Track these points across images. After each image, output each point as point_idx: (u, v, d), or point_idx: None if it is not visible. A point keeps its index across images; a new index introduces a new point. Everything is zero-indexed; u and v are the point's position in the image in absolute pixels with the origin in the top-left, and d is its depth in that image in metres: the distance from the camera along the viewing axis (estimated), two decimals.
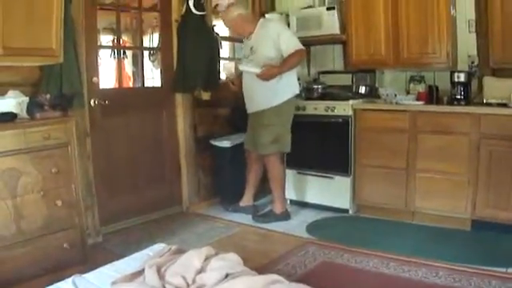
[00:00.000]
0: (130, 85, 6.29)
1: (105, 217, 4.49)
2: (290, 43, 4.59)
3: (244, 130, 5.11)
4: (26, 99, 3.48)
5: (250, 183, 5.15)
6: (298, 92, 4.85)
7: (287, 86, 4.70)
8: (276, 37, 4.60)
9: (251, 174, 5.13)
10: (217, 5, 5.48)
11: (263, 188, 5.27)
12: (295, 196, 5.42)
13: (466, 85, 4.60)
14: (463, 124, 4.31)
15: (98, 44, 4.79)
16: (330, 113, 5.05)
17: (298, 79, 5.41)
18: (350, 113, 4.93)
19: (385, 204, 4.81)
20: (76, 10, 4.03)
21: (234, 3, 5.09)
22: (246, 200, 5.16)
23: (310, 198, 5.30)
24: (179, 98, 5.21)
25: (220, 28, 5.53)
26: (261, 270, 2.71)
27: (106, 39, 5.85)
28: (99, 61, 4.65)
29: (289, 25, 5.67)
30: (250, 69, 4.64)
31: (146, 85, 5.51)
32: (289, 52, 4.56)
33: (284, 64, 4.58)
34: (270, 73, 4.54)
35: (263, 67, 4.53)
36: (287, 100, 4.71)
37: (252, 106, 4.85)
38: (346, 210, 5.05)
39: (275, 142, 4.73)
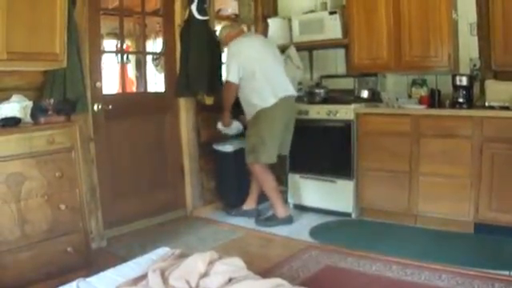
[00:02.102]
0: (134, 89, 6.30)
1: (109, 221, 4.50)
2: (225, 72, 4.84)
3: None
4: (30, 104, 3.50)
5: (253, 187, 5.16)
6: (270, 104, 4.69)
7: (259, 99, 4.71)
8: None
9: (253, 179, 5.13)
10: (220, 10, 5.51)
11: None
12: (298, 200, 5.43)
13: (468, 88, 4.60)
14: (465, 127, 4.31)
15: (102, 49, 4.81)
16: (332, 117, 5.05)
17: (300, 83, 5.44)
18: (352, 117, 4.93)
19: (387, 207, 4.81)
20: (79, 15, 4.05)
21: (224, 25, 5.24)
22: (249, 204, 5.18)
23: (313, 202, 5.30)
24: (182, 102, 5.22)
25: None
26: (264, 273, 2.72)
27: (109, 44, 5.86)
28: (102, 65, 4.66)
29: (291, 29, 5.69)
30: (219, 126, 5.16)
31: (149, 89, 5.51)
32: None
33: (222, 104, 4.95)
34: (223, 120, 5.06)
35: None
36: (261, 110, 4.70)
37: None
38: (349, 214, 5.05)
39: (252, 152, 4.78)
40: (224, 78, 4.76)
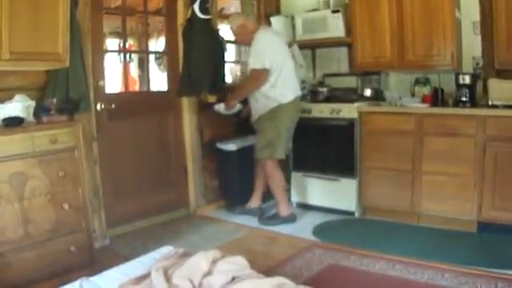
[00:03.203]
0: (136, 89, 6.29)
1: (112, 220, 4.51)
2: (250, 60, 4.70)
3: (250, 133, 5.13)
4: (33, 103, 3.51)
5: (257, 186, 5.17)
6: (289, 99, 4.73)
7: (277, 94, 4.68)
8: (250, 51, 4.76)
9: (258, 177, 5.14)
10: (222, 8, 5.51)
11: (268, 190, 5.27)
12: (301, 198, 5.43)
13: (471, 87, 4.59)
14: (469, 126, 4.30)
15: (104, 48, 4.81)
16: (335, 115, 5.06)
17: (303, 82, 5.42)
18: (356, 115, 4.94)
19: (391, 206, 4.81)
20: (82, 14, 4.06)
21: (236, 13, 5.14)
22: (253, 202, 5.19)
23: (316, 201, 5.30)
24: (185, 101, 5.22)
25: (225, 31, 5.55)
26: (267, 272, 2.72)
27: (112, 43, 5.86)
28: (105, 65, 4.66)
29: (294, 27, 5.69)
30: (218, 108, 5.03)
31: (151, 88, 5.52)
32: (248, 71, 4.69)
33: (238, 91, 4.84)
34: (228, 105, 4.91)
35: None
36: (278, 106, 4.69)
37: (254, 114, 4.91)
38: (352, 213, 5.05)
39: (267, 147, 4.76)
40: (252, 65, 4.62)
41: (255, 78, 4.67)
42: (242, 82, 4.65)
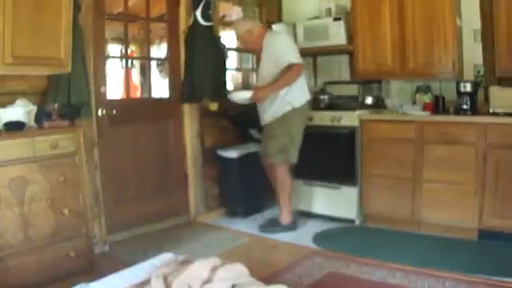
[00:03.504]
0: (138, 95, 6.29)
1: (112, 226, 4.51)
2: (284, 56, 4.55)
3: (251, 141, 5.12)
4: (34, 108, 3.52)
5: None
6: (302, 102, 4.73)
7: (291, 98, 4.65)
8: (273, 51, 4.60)
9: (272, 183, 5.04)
10: (224, 15, 5.52)
11: (269, 198, 5.27)
12: (302, 206, 5.41)
13: (472, 95, 4.60)
14: (470, 134, 4.31)
15: (106, 54, 4.83)
16: (336, 123, 5.05)
17: None
18: (357, 123, 4.94)
19: (391, 214, 4.80)
20: (84, 20, 4.08)
21: (241, 18, 5.11)
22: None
23: (317, 209, 5.29)
24: (186, 108, 5.23)
25: (227, 38, 5.56)
26: (267, 280, 2.70)
27: (113, 49, 5.87)
28: (107, 71, 4.68)
29: (296, 35, 5.69)
30: (241, 95, 4.71)
31: (153, 95, 5.53)
32: (283, 66, 4.52)
33: (276, 82, 4.55)
34: (260, 94, 4.59)
35: (253, 90, 4.52)
36: (292, 110, 4.67)
37: (263, 118, 4.83)
38: (353, 221, 5.04)
39: (281, 152, 4.72)
40: (290, 59, 4.49)
41: (295, 71, 4.55)
42: (277, 77, 4.48)
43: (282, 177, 4.82)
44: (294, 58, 4.57)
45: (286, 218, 4.88)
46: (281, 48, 4.62)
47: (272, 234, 4.76)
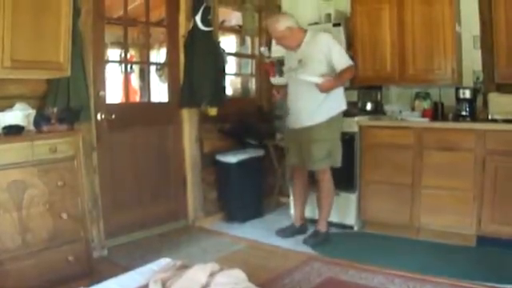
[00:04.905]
0: (137, 99, 6.30)
1: (110, 230, 4.49)
2: (342, 58, 4.47)
3: (250, 146, 5.11)
4: (33, 112, 3.51)
5: (299, 199, 5.03)
6: (345, 107, 4.71)
7: (335, 101, 4.58)
8: (327, 51, 4.45)
9: (299, 190, 5.00)
10: (224, 21, 5.52)
11: (269, 202, 5.27)
12: None
13: (471, 101, 4.61)
14: (468, 140, 4.31)
15: (106, 58, 4.83)
16: None
17: None
18: (356, 129, 4.95)
19: (390, 220, 4.79)
20: (84, 23, 4.07)
21: (282, 14, 5.07)
22: (297, 219, 5.03)
23: (316, 214, 5.26)
24: (185, 112, 5.22)
25: (226, 44, 5.56)
26: (265, 285, 2.71)
27: (113, 53, 5.88)
28: (106, 75, 4.67)
29: None
30: (310, 78, 4.37)
31: (152, 99, 5.53)
32: (342, 67, 4.43)
33: (339, 78, 4.44)
34: (329, 84, 4.39)
35: (322, 77, 4.35)
36: (337, 114, 4.61)
37: (299, 121, 4.61)
38: (351, 227, 5.04)
39: (328, 157, 4.59)
40: (347, 62, 4.45)
41: (353, 72, 4.56)
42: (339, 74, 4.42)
43: (330, 182, 4.69)
44: (350, 60, 4.57)
45: (324, 226, 4.76)
46: (336, 50, 4.50)
47: (317, 247, 4.57)
